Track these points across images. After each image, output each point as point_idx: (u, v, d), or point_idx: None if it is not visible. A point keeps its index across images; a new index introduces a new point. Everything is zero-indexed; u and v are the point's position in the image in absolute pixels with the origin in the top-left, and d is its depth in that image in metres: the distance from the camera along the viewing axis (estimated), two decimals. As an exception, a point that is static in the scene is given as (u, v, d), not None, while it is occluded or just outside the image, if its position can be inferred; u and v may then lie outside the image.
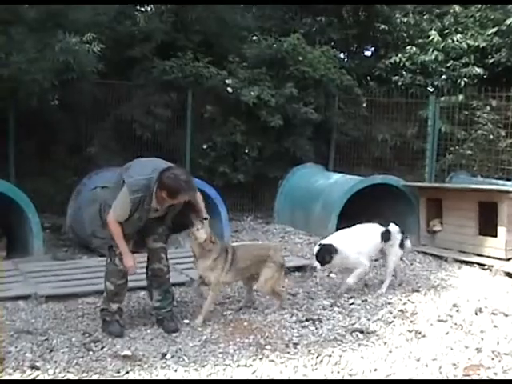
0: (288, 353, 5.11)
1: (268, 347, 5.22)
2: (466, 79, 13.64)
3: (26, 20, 9.94)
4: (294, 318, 5.98)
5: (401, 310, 6.35)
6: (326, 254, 6.59)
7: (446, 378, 4.68)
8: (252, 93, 11.46)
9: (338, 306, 6.45)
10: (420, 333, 5.68)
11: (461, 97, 12.85)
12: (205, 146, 11.76)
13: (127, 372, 4.64)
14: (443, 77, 14.00)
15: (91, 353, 5.02)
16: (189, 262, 6.72)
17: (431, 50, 14.02)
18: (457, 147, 12.70)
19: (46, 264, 7.52)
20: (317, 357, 5.00)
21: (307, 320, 5.92)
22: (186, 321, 5.81)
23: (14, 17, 9.79)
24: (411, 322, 6.02)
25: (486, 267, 8.30)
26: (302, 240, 9.67)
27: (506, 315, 6.27)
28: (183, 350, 5.12)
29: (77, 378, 4.52)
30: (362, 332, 5.65)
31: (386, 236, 7.06)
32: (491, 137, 12.50)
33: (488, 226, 8.65)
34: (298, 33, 12.93)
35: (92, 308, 6.17)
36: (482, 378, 4.71)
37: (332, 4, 14.69)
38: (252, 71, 12.08)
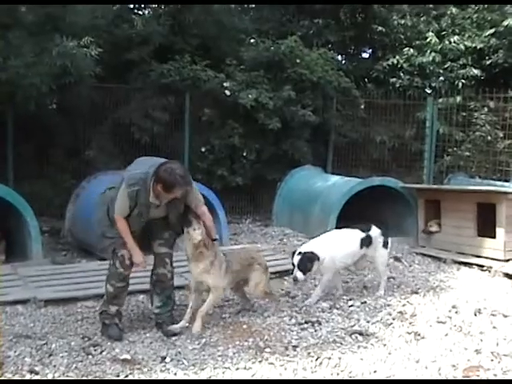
0: (287, 355, 5.10)
1: (267, 350, 5.21)
2: (463, 80, 13.67)
3: (23, 24, 9.94)
4: (293, 321, 5.97)
5: (400, 312, 6.35)
6: (309, 262, 6.32)
7: (445, 379, 4.68)
8: (250, 95, 11.47)
9: (337, 308, 6.45)
10: (419, 334, 5.67)
11: (458, 98, 12.88)
12: (203, 149, 11.76)
13: (126, 376, 4.64)
14: (441, 78, 14.02)
15: (90, 357, 5.02)
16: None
17: (429, 51, 14.04)
18: (455, 148, 12.71)
19: (44, 268, 7.51)
20: (316, 359, 5.00)
21: (306, 322, 5.92)
22: (187, 324, 5.79)
23: (11, 20, 9.79)
24: (410, 323, 6.02)
25: (484, 268, 8.30)
26: (301, 242, 9.60)
27: (506, 316, 6.27)
28: (182, 354, 5.12)
29: (76, 382, 4.52)
30: (361, 334, 5.65)
31: (366, 241, 6.90)
32: (489, 138, 12.52)
33: (486, 227, 8.66)
34: (296, 35, 12.93)
35: (91, 312, 6.17)
36: (481, 379, 4.70)
37: (329, 4, 14.69)
38: (250, 74, 12.09)
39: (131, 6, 13.31)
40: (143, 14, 13.36)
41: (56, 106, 10.17)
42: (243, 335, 5.58)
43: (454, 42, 13.95)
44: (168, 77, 11.58)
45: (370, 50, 16.28)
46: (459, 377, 4.72)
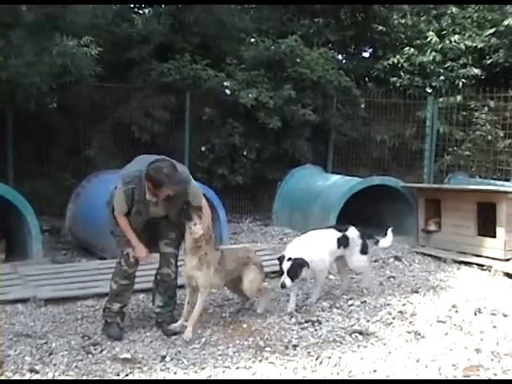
0: (287, 355, 5.11)
1: (267, 349, 5.22)
2: (463, 80, 13.66)
3: (24, 23, 9.94)
4: (294, 320, 5.97)
5: (400, 311, 6.35)
6: (298, 268, 6.11)
7: (445, 379, 4.68)
8: (250, 95, 11.46)
9: (337, 308, 6.45)
10: (419, 334, 5.68)
11: (459, 97, 12.87)
12: (203, 148, 11.75)
13: (127, 375, 4.64)
14: (441, 78, 14.01)
15: (90, 356, 5.03)
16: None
17: (429, 50, 14.03)
18: (455, 148, 12.71)
19: (45, 267, 7.50)
20: (316, 358, 5.00)
21: (306, 322, 5.92)
22: (185, 323, 5.79)
23: (12, 20, 9.79)
24: (410, 322, 6.02)
25: (484, 268, 8.30)
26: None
27: (506, 315, 6.27)
28: (182, 353, 5.12)
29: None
30: (361, 333, 5.65)
31: (343, 241, 6.72)
32: (489, 137, 12.51)
33: (487, 227, 8.65)
34: (296, 34, 12.91)
35: (91, 311, 6.18)
36: (481, 379, 4.70)
37: (329, 4, 14.69)
38: (250, 73, 12.09)
39: (131, 5, 13.30)
40: (143, 13, 13.34)
41: (56, 105, 10.18)
42: (243, 334, 5.58)
43: (455, 42, 13.94)
44: (168, 76, 11.57)
45: (371, 50, 16.26)
46: (459, 376, 4.73)
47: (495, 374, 4.78)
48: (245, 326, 5.80)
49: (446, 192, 9.64)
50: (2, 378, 4.53)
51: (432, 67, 14.00)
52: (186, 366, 4.85)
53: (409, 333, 5.71)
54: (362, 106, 13.88)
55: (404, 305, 6.60)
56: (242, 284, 5.97)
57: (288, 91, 11.82)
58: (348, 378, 4.67)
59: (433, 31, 14.36)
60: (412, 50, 14.18)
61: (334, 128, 13.22)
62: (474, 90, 12.97)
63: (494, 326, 5.95)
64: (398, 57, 14.21)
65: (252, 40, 13.47)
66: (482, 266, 8.35)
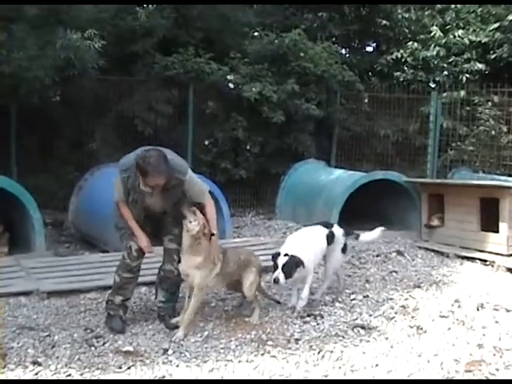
0: (290, 348, 5.11)
1: (270, 343, 5.23)
2: (467, 75, 13.61)
3: (27, 17, 9.92)
4: (296, 314, 5.97)
5: (402, 306, 6.35)
6: (294, 267, 5.84)
7: (447, 374, 4.68)
8: (254, 89, 11.45)
9: (340, 302, 6.46)
10: (421, 328, 5.68)
11: (462, 92, 12.82)
12: (206, 142, 11.75)
13: (129, 367, 4.65)
14: (445, 72, 13.97)
15: (93, 348, 5.04)
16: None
17: (433, 45, 13.99)
18: (458, 143, 12.68)
19: (47, 260, 7.52)
20: (318, 352, 5.01)
21: (309, 316, 5.92)
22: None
23: (15, 13, 9.78)
24: (413, 317, 6.02)
25: (487, 263, 8.29)
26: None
27: (508, 311, 6.27)
28: (185, 346, 5.13)
29: (79, 373, 4.53)
30: (363, 327, 5.66)
31: (330, 239, 6.47)
32: (493, 133, 12.48)
33: (490, 222, 8.64)
34: (300, 28, 12.90)
35: (94, 304, 6.19)
36: (479, 376, 4.70)
37: (330, 4, 14.69)
38: (253, 67, 12.08)
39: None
40: (147, 6, 13.32)
41: (59, 98, 10.19)
42: (245, 328, 5.59)
43: (459, 36, 13.89)
44: (172, 69, 11.57)
45: (374, 44, 16.23)
46: (461, 371, 4.73)
47: (497, 369, 4.77)
48: (247, 319, 5.81)
49: (450, 187, 9.63)
50: (5, 370, 4.54)
51: (436, 62, 13.96)
52: (188, 359, 4.86)
53: (411, 327, 5.72)
54: (366, 100, 13.87)
55: (406, 299, 6.59)
56: (242, 286, 5.81)
57: (291, 85, 11.81)
58: (350, 373, 4.67)
59: (437, 26, 14.31)
60: (416, 44, 14.14)
61: (337, 122, 13.20)
62: (478, 85, 12.95)
63: (497, 322, 5.95)
64: (401, 51, 14.17)
65: (256, 34, 13.45)
66: (485, 261, 8.34)
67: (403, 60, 14.17)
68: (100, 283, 6.58)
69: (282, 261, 5.83)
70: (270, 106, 11.58)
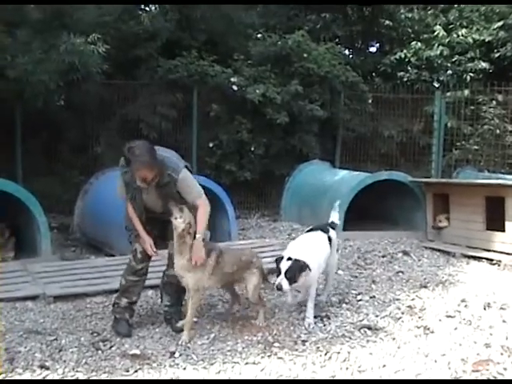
0: (296, 350, 5.11)
1: (276, 344, 5.22)
2: (471, 74, 13.59)
3: (31, 21, 9.97)
4: (302, 315, 5.96)
5: (409, 306, 6.34)
6: (298, 271, 5.50)
7: (454, 374, 4.67)
8: (257, 90, 11.47)
9: (346, 303, 6.45)
10: (428, 328, 5.67)
11: (467, 92, 12.82)
12: (211, 145, 11.77)
13: (136, 371, 4.66)
14: (449, 72, 13.96)
15: (100, 352, 5.05)
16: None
17: (436, 45, 13.98)
18: (463, 142, 12.66)
19: (54, 264, 7.53)
20: (325, 354, 5.01)
21: (315, 317, 5.90)
22: (194, 319, 5.80)
23: (19, 18, 9.82)
24: (419, 317, 6.01)
25: (494, 262, 8.27)
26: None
27: (515, 310, 6.26)
28: (192, 349, 5.13)
29: (86, 377, 4.54)
30: (370, 328, 5.65)
31: (329, 243, 6.29)
32: (497, 131, 12.48)
33: (495, 221, 8.62)
34: (303, 30, 12.92)
35: (100, 307, 6.20)
36: (487, 375, 4.69)
37: (333, 4, 14.69)
38: (257, 69, 12.10)
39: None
40: (150, 10, 13.35)
41: (64, 102, 10.21)
42: (252, 330, 5.58)
43: (462, 35, 13.88)
44: (175, 72, 11.59)
45: (378, 44, 16.24)
46: (469, 371, 4.71)
47: (505, 369, 4.75)
48: (253, 321, 5.81)
49: (455, 186, 9.62)
50: (13, 374, 4.55)
51: (439, 61, 13.94)
52: (195, 361, 4.86)
53: (418, 328, 5.71)
54: (370, 101, 13.86)
55: (413, 300, 6.58)
56: (246, 288, 5.74)
57: (295, 86, 11.82)
58: (357, 374, 4.67)
59: (440, 25, 14.30)
60: (419, 44, 14.13)
61: (341, 123, 13.20)
62: (482, 83, 12.93)
63: (504, 321, 5.93)
64: (405, 51, 14.17)
65: (259, 35, 13.48)
66: (491, 260, 8.33)
67: (407, 60, 14.15)
68: (106, 287, 6.59)
69: (285, 265, 5.48)
70: (274, 108, 11.59)
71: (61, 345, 5.19)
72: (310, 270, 5.59)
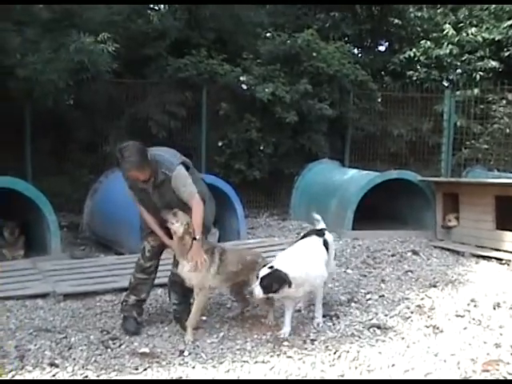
0: (305, 349, 5.11)
1: (285, 343, 5.22)
2: (481, 73, 13.57)
3: (40, 20, 10.00)
4: (311, 314, 5.96)
5: (418, 306, 6.32)
6: (275, 282, 5.17)
7: (464, 374, 4.65)
8: (266, 89, 11.47)
9: (356, 302, 6.43)
10: (438, 328, 5.65)
11: (476, 90, 12.79)
12: (220, 143, 11.77)
13: (145, 369, 4.66)
14: (458, 71, 13.95)
15: (109, 350, 5.05)
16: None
17: (446, 43, 13.95)
18: (473, 141, 12.63)
19: (63, 262, 7.56)
20: (334, 353, 5.00)
21: (324, 316, 5.89)
22: (204, 318, 5.81)
23: (28, 17, 9.85)
24: (429, 317, 5.99)
25: (503, 262, 8.24)
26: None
27: (525, 310, 6.23)
28: (201, 347, 5.13)
29: (95, 375, 4.55)
30: (379, 327, 5.63)
31: (325, 248, 5.97)
32: (507, 131, 12.44)
33: (505, 221, 8.58)
34: (312, 28, 12.92)
35: (110, 306, 6.21)
36: (497, 375, 4.67)
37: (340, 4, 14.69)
38: (266, 68, 12.10)
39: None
40: (159, 9, 13.38)
41: (73, 101, 10.25)
42: (261, 329, 5.58)
43: (472, 34, 13.85)
44: (185, 71, 11.62)
45: (387, 43, 16.23)
46: (478, 371, 4.70)
47: (515, 368, 4.75)
48: (263, 320, 5.80)
49: (464, 186, 9.58)
50: (23, 371, 4.57)
51: (449, 60, 13.92)
52: (205, 360, 4.86)
53: (427, 327, 5.69)
54: (379, 100, 13.84)
55: (422, 299, 6.56)
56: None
57: (304, 85, 11.82)
58: (366, 373, 4.66)
59: (449, 24, 14.28)
60: (428, 43, 14.11)
61: (350, 122, 13.19)
62: (492, 82, 12.91)
63: (514, 320, 5.92)
64: (414, 50, 14.16)
65: (268, 34, 13.49)
66: (501, 259, 8.29)
67: (416, 59, 14.14)
68: (115, 285, 6.60)
69: (262, 272, 5.22)
70: (283, 107, 11.59)
71: (70, 343, 5.20)
72: (289, 286, 5.20)
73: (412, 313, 6.10)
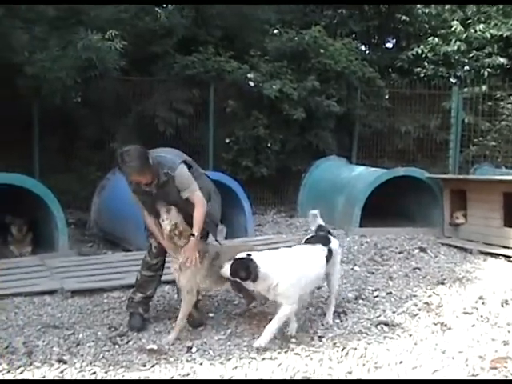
0: (313, 346, 5.10)
1: (293, 340, 5.21)
2: (489, 69, 13.51)
3: (48, 18, 10.02)
4: (319, 311, 5.97)
5: (426, 303, 6.32)
6: (243, 270, 5.00)
7: (472, 371, 4.64)
8: (274, 86, 11.46)
9: (363, 299, 6.43)
10: (446, 325, 5.64)
11: (484, 87, 12.76)
12: (227, 140, 11.77)
13: (153, 365, 4.67)
14: (466, 67, 13.90)
15: (117, 347, 5.07)
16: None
17: (454, 40, 13.91)
18: (480, 138, 12.61)
19: (71, 259, 7.58)
20: (342, 349, 5.00)
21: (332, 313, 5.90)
22: (211, 314, 5.83)
23: (36, 15, 9.87)
24: (436, 314, 5.98)
25: (511, 259, 8.22)
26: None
27: (533, 307, 6.22)
28: (208, 344, 5.14)
29: (103, 371, 4.56)
30: (387, 324, 5.63)
31: (328, 257, 5.56)
32: (515, 128, 12.40)
33: (514, 218, 8.58)
34: (319, 25, 12.91)
35: (117, 302, 6.22)
36: (505, 373, 4.66)
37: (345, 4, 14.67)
38: (274, 65, 12.10)
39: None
40: (166, 6, 13.38)
41: (81, 99, 10.27)
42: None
43: (480, 31, 13.79)
44: (192, 68, 11.63)
45: (394, 40, 16.21)
46: (487, 368, 4.69)
47: (523, 366, 4.74)
48: (270, 317, 5.77)
49: (472, 183, 9.56)
50: (32, 367, 4.59)
51: (457, 57, 13.88)
52: (212, 356, 4.87)
53: (435, 324, 5.68)
54: (386, 96, 13.82)
55: (430, 296, 6.56)
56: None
57: (312, 82, 11.81)
58: (374, 370, 4.65)
59: (457, 20, 14.23)
60: (436, 39, 14.07)
61: (358, 119, 13.17)
62: (500, 79, 12.86)
63: (522, 318, 5.90)
64: (421, 47, 14.12)
65: (275, 31, 13.48)
66: (509, 257, 8.27)
67: (423, 55, 14.11)
68: (123, 282, 6.61)
69: (238, 256, 5.10)
70: (291, 104, 11.59)
71: (78, 339, 5.22)
72: (255, 277, 4.99)
73: (420, 310, 6.10)
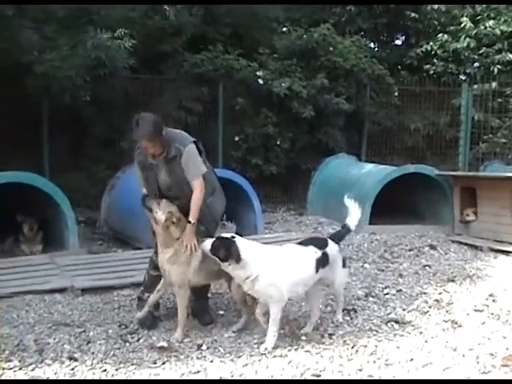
0: (323, 343, 5.10)
1: (303, 338, 5.22)
2: (499, 66, 13.43)
3: (57, 17, 10.04)
4: (329, 309, 5.96)
5: (436, 300, 6.30)
6: (224, 248, 4.90)
7: (483, 368, 4.62)
8: (283, 84, 11.47)
9: (373, 297, 6.42)
10: (456, 323, 5.63)
11: (494, 84, 12.70)
12: (237, 138, 11.78)
13: (163, 363, 4.68)
14: (476, 64, 13.82)
15: (128, 344, 5.08)
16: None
17: (463, 37, 13.84)
18: (490, 135, 12.56)
19: (81, 257, 7.61)
20: (352, 347, 4.99)
21: (342, 310, 5.89)
22: (221, 312, 5.84)
23: (46, 14, 9.90)
24: (447, 311, 5.97)
25: (522, 256, 8.21)
26: (335, 230, 9.62)
27: (544, 304, 6.19)
28: (219, 341, 5.15)
29: (114, 368, 4.57)
30: (397, 322, 5.62)
31: (323, 261, 5.29)
32: (526, 125, 12.35)
33: (524, 215, 8.54)
34: (328, 23, 12.89)
35: (127, 300, 6.24)
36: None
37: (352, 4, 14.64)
38: (283, 62, 12.09)
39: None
40: (175, 5, 13.39)
41: (90, 97, 10.28)
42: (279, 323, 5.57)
43: (490, 27, 13.71)
44: (201, 67, 11.64)
45: (403, 37, 16.14)
46: (497, 365, 4.67)
47: (534, 363, 4.72)
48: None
49: (482, 180, 9.52)
50: (43, 365, 4.61)
51: (466, 54, 13.81)
52: (223, 354, 4.87)
53: (445, 322, 5.67)
54: (396, 94, 13.78)
55: (440, 293, 6.54)
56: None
57: (321, 80, 11.81)
58: (384, 367, 4.64)
59: (467, 17, 14.15)
60: (445, 36, 14.01)
61: (367, 117, 13.13)
62: (510, 76, 12.80)
63: (533, 315, 5.88)
64: (431, 44, 14.06)
65: (284, 29, 13.44)
66: (520, 254, 8.26)
67: (433, 52, 14.05)
68: (133, 280, 6.63)
69: (222, 235, 5.08)
70: (300, 102, 11.58)
71: (89, 337, 5.24)
72: (237, 259, 4.87)
73: (430, 307, 6.08)
